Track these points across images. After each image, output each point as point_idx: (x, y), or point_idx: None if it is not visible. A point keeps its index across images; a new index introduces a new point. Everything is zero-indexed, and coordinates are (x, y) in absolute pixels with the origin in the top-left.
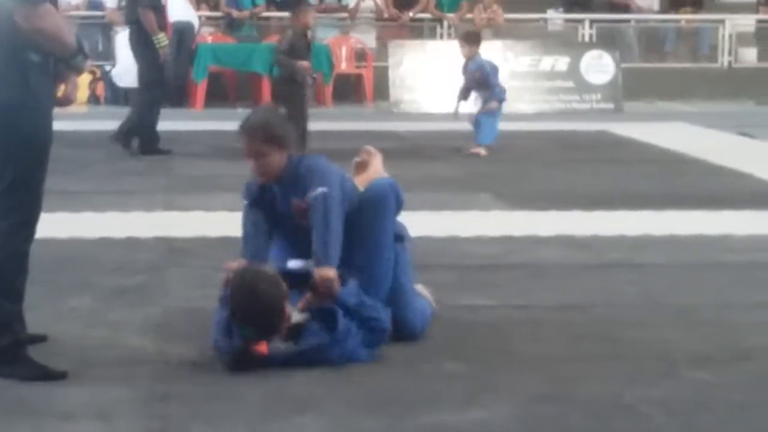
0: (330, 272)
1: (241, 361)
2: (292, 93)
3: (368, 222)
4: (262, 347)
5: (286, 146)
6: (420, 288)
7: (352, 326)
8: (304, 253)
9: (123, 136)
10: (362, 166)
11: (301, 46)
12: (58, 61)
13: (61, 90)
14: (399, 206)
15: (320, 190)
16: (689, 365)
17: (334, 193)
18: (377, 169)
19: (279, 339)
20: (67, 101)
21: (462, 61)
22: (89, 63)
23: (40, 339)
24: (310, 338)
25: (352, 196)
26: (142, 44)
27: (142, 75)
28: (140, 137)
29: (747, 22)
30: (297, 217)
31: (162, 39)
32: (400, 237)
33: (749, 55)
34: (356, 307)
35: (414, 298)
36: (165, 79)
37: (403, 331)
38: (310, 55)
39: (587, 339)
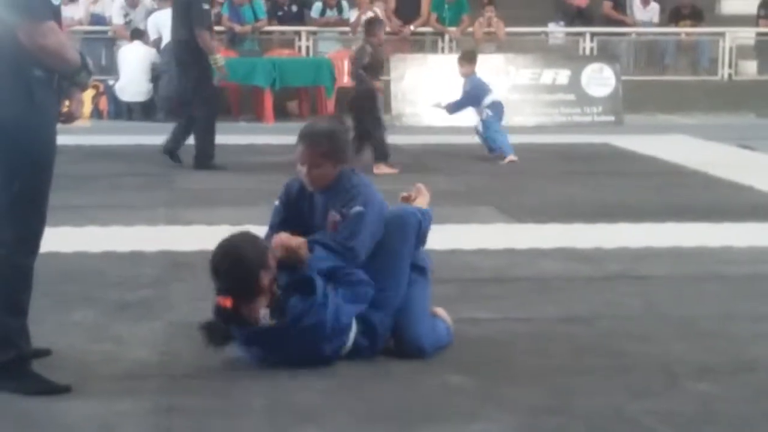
0: (289, 240)
1: (215, 327)
2: (370, 106)
3: (385, 242)
4: (226, 301)
5: (342, 161)
6: (440, 311)
7: (329, 287)
8: None
9: (203, 158)
10: (406, 200)
11: (378, 62)
12: (62, 78)
13: (65, 106)
14: (421, 235)
15: (358, 208)
16: (692, 377)
17: (370, 216)
18: (422, 206)
19: (266, 317)
20: (71, 117)
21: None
22: (93, 78)
23: (44, 353)
24: (293, 309)
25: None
26: (193, 63)
27: (194, 93)
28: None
29: (747, 35)
30: (328, 228)
31: (220, 59)
32: (421, 269)
33: (749, 68)
34: (330, 270)
35: (424, 316)
36: (217, 93)
37: (411, 347)
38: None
39: (590, 351)
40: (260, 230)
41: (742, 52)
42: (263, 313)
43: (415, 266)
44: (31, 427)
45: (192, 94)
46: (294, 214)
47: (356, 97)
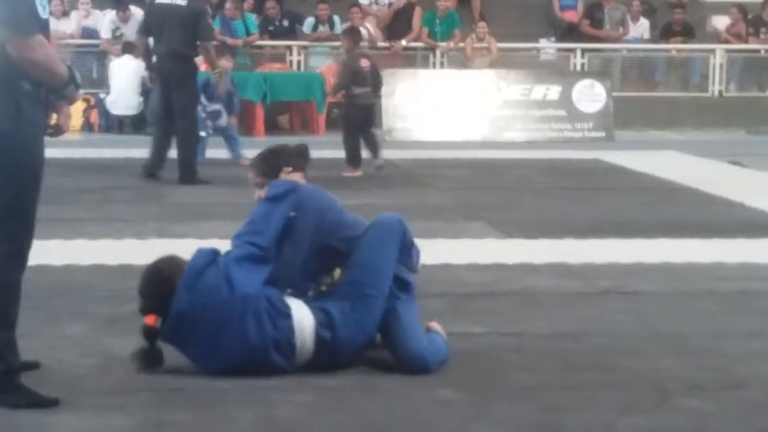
0: None
1: (142, 350)
2: (357, 118)
3: (370, 241)
4: (149, 319)
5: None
6: (434, 325)
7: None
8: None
9: (188, 172)
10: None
11: (360, 70)
12: (50, 91)
13: (53, 119)
14: (406, 237)
15: (290, 213)
16: (683, 394)
17: (302, 219)
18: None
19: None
20: (59, 130)
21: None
22: (81, 92)
23: (33, 366)
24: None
25: (341, 231)
26: (191, 77)
27: (186, 107)
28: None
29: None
30: None
31: (222, 70)
32: (405, 283)
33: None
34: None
35: (419, 331)
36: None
37: (414, 362)
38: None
39: (580, 367)
40: None
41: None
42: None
43: (399, 279)
44: None
45: (183, 108)
46: None
47: (345, 118)
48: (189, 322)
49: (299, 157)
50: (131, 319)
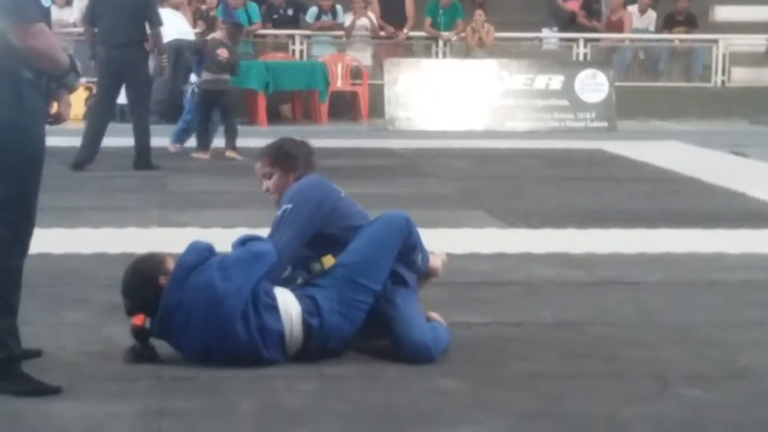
0: None
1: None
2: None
3: (371, 232)
4: (138, 319)
5: (292, 169)
6: (434, 315)
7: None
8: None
9: (144, 159)
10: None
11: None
12: (51, 79)
13: (54, 107)
14: (410, 238)
15: (284, 206)
16: (684, 383)
17: (297, 209)
18: (435, 268)
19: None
20: (59, 119)
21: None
22: (83, 80)
23: (35, 354)
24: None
25: (350, 215)
26: (145, 63)
27: (143, 94)
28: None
29: (740, 42)
30: None
31: (165, 59)
32: (404, 281)
33: (742, 74)
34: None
35: (420, 319)
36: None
37: (417, 350)
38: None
39: (581, 357)
40: (252, 232)
41: (735, 59)
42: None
43: (397, 275)
44: (20, 428)
45: (138, 95)
46: None
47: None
48: (178, 319)
49: (306, 166)
50: None
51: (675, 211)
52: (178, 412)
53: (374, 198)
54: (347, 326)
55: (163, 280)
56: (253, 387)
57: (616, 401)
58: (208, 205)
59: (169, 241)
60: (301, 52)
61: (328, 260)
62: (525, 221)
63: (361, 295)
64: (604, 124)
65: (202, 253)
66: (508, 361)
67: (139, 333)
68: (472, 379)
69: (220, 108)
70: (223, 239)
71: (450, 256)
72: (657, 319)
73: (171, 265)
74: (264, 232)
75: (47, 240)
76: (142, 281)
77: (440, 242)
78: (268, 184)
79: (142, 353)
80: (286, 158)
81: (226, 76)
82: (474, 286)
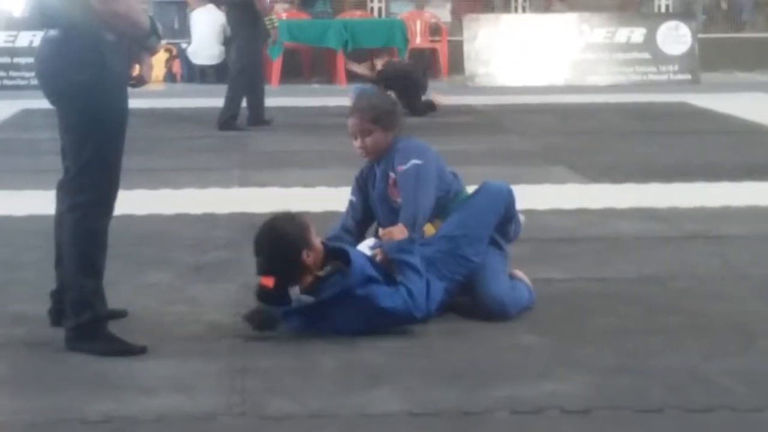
0: (398, 232)
1: (259, 314)
2: None
3: (477, 205)
4: (268, 281)
5: (391, 127)
6: (518, 273)
7: (375, 274)
8: None
9: (228, 121)
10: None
11: None
12: (132, 42)
13: (135, 70)
14: (510, 210)
15: (413, 161)
16: None
17: (428, 166)
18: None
19: (301, 292)
20: (141, 81)
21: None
22: (163, 43)
23: (120, 314)
24: (328, 289)
25: (450, 181)
26: (246, 26)
27: (240, 58)
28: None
29: None
30: (389, 191)
31: (275, 20)
32: (499, 245)
33: None
34: (396, 260)
35: (502, 276)
36: (261, 61)
37: (494, 307)
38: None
39: (665, 311)
40: (332, 192)
41: None
42: (294, 291)
43: (493, 241)
44: (107, 388)
45: (235, 60)
46: (365, 201)
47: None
48: (329, 314)
49: (402, 125)
50: (215, 266)
51: (760, 163)
52: (262, 371)
53: (455, 155)
54: (446, 297)
55: (306, 256)
56: (337, 345)
57: (700, 356)
58: (289, 164)
59: (251, 200)
60: (380, 9)
61: (428, 228)
62: (607, 176)
63: (462, 267)
64: (687, 76)
65: (365, 271)
66: (591, 317)
67: (266, 295)
68: (555, 335)
69: None
70: (304, 198)
71: (532, 212)
72: (741, 273)
73: (313, 236)
74: (345, 190)
75: (130, 201)
76: (287, 250)
77: (522, 198)
78: (367, 140)
79: (264, 317)
80: (389, 116)
81: None
82: (556, 242)
